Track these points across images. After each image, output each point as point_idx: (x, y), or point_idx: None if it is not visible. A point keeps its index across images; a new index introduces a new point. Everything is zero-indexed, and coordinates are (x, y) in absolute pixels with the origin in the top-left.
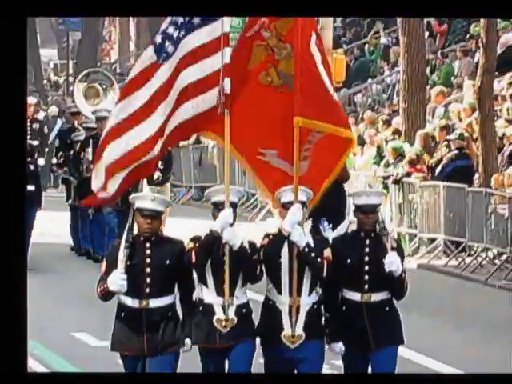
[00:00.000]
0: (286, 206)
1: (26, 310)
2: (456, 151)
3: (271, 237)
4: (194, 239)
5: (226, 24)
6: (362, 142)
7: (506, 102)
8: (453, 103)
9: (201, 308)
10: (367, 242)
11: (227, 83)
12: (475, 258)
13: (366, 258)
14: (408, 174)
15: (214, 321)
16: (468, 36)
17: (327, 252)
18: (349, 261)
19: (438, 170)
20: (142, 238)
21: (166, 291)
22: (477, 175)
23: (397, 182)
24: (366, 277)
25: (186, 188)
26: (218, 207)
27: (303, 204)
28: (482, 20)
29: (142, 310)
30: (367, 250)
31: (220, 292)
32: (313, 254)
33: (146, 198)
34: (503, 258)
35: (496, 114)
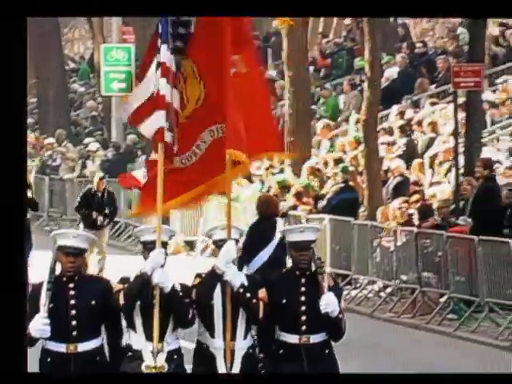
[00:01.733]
0: (218, 244)
1: (25, 310)
2: (341, 184)
3: (203, 276)
4: (123, 280)
5: (163, 53)
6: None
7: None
8: (339, 136)
9: (129, 354)
10: (303, 280)
11: (161, 115)
12: (361, 291)
13: (302, 298)
14: (294, 207)
15: (143, 368)
16: (354, 69)
17: (262, 292)
18: (284, 301)
19: (323, 202)
20: (64, 278)
21: (94, 334)
22: (362, 208)
23: (283, 215)
24: (303, 318)
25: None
26: (147, 247)
27: (236, 241)
28: (366, 54)
29: (69, 354)
30: (303, 289)
31: (149, 337)
32: (248, 295)
33: (68, 235)
34: (388, 290)
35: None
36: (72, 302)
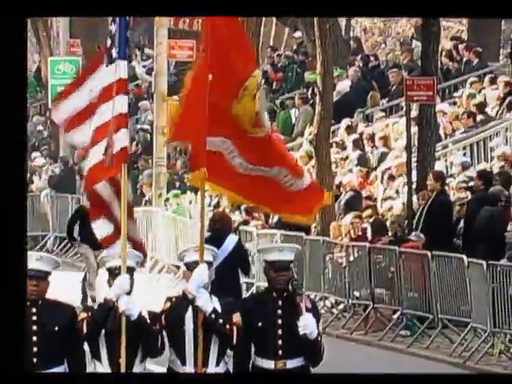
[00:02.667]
0: (189, 267)
1: (25, 310)
2: None
3: (174, 301)
4: (87, 309)
5: (123, 68)
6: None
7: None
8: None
9: None
10: (280, 302)
11: (120, 138)
12: None
13: (279, 321)
14: (245, 222)
15: None
16: (305, 83)
17: (236, 317)
18: (260, 324)
19: (275, 218)
20: (27, 303)
21: (56, 362)
22: (314, 223)
23: (234, 230)
24: (280, 342)
25: None
26: (113, 273)
27: (209, 264)
28: (318, 67)
29: None
30: (280, 311)
31: (115, 367)
32: (220, 321)
33: (31, 257)
34: (341, 307)
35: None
36: (34, 327)
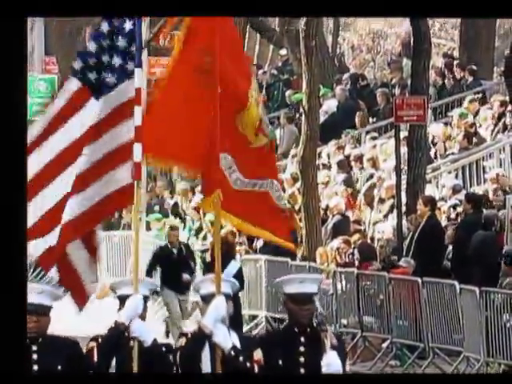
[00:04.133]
0: (206, 299)
1: (25, 310)
2: None
3: (189, 337)
4: (95, 338)
5: (138, 77)
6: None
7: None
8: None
9: None
10: (302, 339)
11: (137, 150)
12: None
13: (301, 359)
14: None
15: None
16: (291, 102)
17: (257, 354)
18: (281, 362)
19: (260, 243)
20: (27, 341)
21: None
22: (301, 248)
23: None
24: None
25: None
26: (124, 302)
27: (227, 296)
28: (303, 86)
29: None
30: (302, 348)
31: None
32: (241, 358)
33: (31, 289)
34: None
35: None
36: (34, 367)
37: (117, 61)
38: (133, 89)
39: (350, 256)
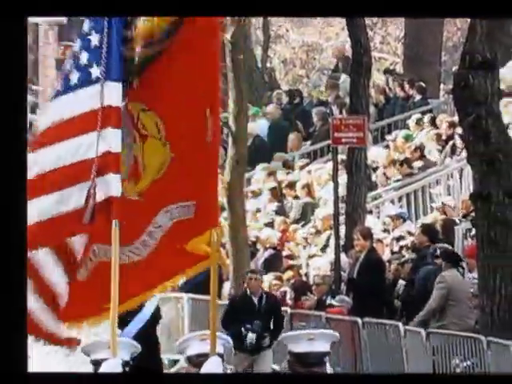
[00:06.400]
0: (194, 361)
1: (25, 310)
2: None
3: None
4: None
5: (116, 93)
6: None
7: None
8: None
9: None
10: None
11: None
12: None
13: None
14: None
15: None
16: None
17: None
18: None
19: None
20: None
21: None
22: (228, 284)
23: None
24: None
25: None
26: (96, 368)
27: (221, 357)
28: (230, 105)
29: None
30: None
31: None
32: None
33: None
34: None
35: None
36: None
37: (83, 60)
38: (97, 100)
39: (283, 294)
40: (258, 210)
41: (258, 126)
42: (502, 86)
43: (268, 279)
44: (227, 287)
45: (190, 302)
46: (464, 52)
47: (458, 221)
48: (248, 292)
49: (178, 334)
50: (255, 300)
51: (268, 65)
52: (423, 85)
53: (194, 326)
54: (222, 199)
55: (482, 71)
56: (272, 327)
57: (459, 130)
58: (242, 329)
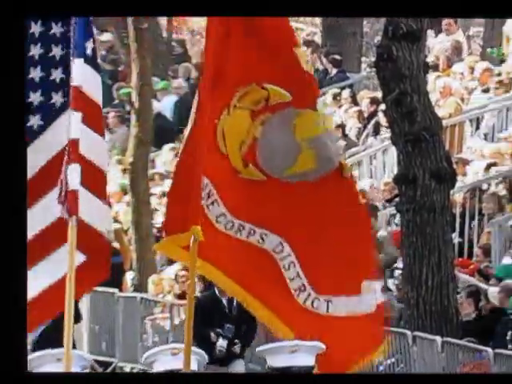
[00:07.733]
0: None
1: (26, 310)
2: None
3: None
4: None
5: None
6: None
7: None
8: None
9: None
10: None
11: (73, 173)
12: None
13: None
14: None
15: None
16: (118, 98)
17: None
18: None
19: None
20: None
21: None
22: (131, 275)
23: None
24: None
25: None
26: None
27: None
28: (133, 79)
29: None
30: None
31: None
32: None
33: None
34: None
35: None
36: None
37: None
38: (62, 135)
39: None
40: (165, 195)
41: (161, 104)
42: (429, 59)
43: (174, 269)
44: (129, 278)
45: (90, 296)
46: (387, 22)
47: (380, 206)
48: (217, 292)
49: (77, 331)
50: (225, 301)
51: (174, 35)
52: (338, 57)
53: (94, 319)
54: (125, 182)
55: (407, 43)
56: (244, 332)
57: (382, 107)
58: (212, 334)
